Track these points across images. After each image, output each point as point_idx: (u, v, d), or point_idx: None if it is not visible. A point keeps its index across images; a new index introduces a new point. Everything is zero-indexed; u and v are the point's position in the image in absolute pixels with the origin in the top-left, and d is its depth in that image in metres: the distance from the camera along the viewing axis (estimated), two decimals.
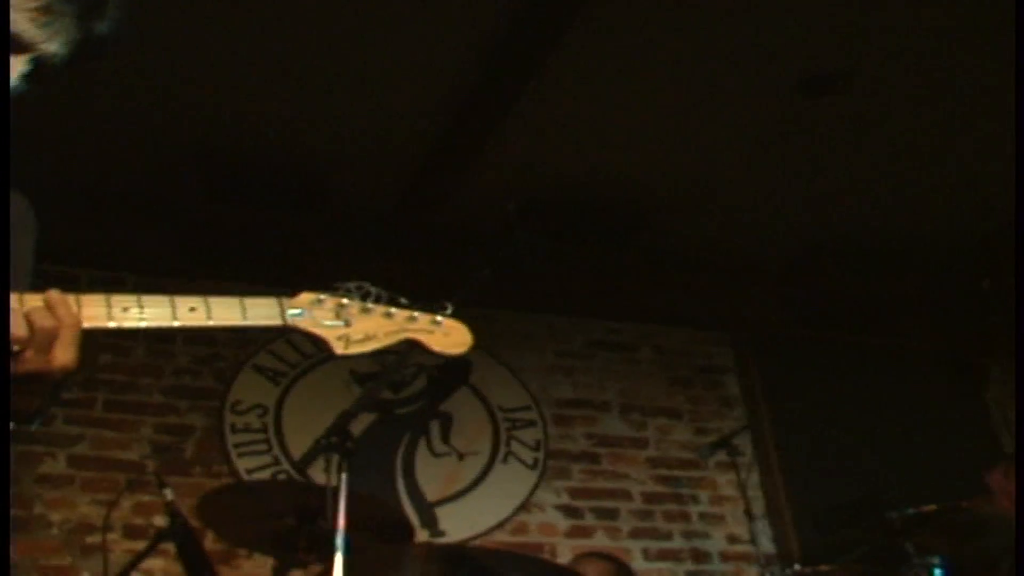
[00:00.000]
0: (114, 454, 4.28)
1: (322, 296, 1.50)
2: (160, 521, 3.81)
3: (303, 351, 4.76)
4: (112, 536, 3.94)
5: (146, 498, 4.07)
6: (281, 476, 4.41)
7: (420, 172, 4.66)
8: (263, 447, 4.50)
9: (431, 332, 1.55)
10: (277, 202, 4.71)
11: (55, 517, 4.05)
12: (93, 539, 3.95)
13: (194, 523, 3.10)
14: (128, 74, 3.87)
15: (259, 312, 1.43)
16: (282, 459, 4.48)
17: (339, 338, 1.48)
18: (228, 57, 3.86)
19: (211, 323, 1.39)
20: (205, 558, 2.97)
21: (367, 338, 1.50)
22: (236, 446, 4.46)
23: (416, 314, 1.55)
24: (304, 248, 4.92)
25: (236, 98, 4.11)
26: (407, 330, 1.53)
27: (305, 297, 1.49)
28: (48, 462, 4.18)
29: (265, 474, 4.41)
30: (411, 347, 1.55)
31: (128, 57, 3.68)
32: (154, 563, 3.74)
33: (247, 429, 4.52)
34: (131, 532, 4.04)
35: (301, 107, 4.20)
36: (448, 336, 1.56)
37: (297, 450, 4.47)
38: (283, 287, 1.50)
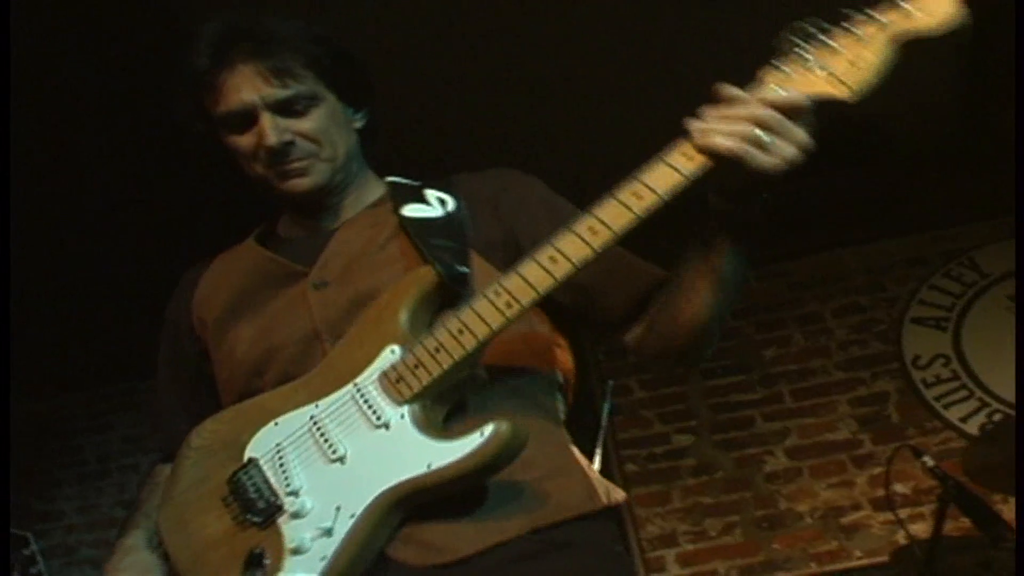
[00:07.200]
0: (825, 437, 4.54)
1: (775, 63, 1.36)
2: (904, 488, 4.21)
3: (951, 292, 4.83)
4: (864, 512, 4.33)
5: (876, 470, 4.32)
6: (997, 417, 4.43)
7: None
8: (964, 393, 4.58)
9: (906, 15, 1.30)
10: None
11: (802, 508, 4.40)
12: (847, 519, 4.33)
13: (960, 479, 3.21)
14: None
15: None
16: (989, 400, 4.53)
17: (832, 83, 1.30)
18: None
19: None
20: (989, 508, 3.09)
21: (855, 63, 1.30)
22: (938, 399, 4.60)
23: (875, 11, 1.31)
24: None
25: None
26: (884, 29, 1.30)
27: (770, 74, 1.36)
28: (770, 461, 4.53)
29: (979, 418, 4.47)
30: (902, 49, 1.29)
31: None
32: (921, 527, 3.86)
33: (939, 380, 4.63)
34: (878, 505, 4.29)
35: None
36: (923, 10, 1.29)
37: (999, 387, 4.54)
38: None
